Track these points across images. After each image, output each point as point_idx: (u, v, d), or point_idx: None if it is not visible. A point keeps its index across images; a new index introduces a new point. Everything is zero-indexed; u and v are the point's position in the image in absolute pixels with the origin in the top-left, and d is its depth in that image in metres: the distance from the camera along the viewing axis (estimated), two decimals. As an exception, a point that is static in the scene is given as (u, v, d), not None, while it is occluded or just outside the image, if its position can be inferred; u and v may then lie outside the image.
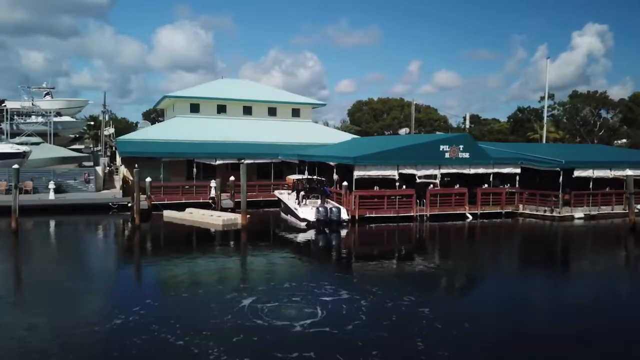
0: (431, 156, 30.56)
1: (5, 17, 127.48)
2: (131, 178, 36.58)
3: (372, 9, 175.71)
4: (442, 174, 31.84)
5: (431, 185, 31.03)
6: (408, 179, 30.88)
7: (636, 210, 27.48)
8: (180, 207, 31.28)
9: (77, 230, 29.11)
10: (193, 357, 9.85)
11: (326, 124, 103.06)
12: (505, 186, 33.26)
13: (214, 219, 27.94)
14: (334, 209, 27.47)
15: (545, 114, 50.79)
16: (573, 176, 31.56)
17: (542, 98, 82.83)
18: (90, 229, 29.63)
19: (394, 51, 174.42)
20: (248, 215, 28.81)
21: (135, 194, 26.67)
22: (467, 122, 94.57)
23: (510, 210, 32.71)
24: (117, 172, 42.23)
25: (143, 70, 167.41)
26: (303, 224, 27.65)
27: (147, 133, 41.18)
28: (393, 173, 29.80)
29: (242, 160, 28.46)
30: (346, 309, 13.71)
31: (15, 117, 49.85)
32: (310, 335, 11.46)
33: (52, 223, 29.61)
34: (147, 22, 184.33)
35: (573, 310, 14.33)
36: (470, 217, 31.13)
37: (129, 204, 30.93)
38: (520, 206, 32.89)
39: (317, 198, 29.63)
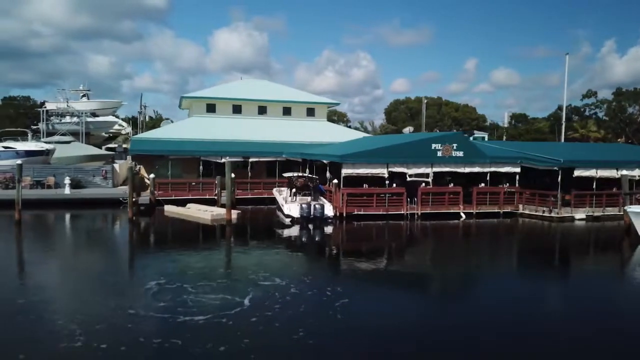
0: (422, 155, 30.45)
1: (72, 23, 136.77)
2: (146, 175, 38.81)
3: (424, 8, 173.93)
4: (442, 173, 31.67)
5: (423, 184, 30.92)
6: (401, 178, 30.92)
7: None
8: (187, 203, 32.68)
9: (74, 222, 30.99)
10: (58, 337, 10.68)
11: (372, 124, 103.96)
12: (505, 185, 32.62)
13: (204, 214, 29.17)
14: (317, 205, 27.98)
15: (564, 114, 48.84)
16: (573, 176, 30.53)
17: (584, 96, 79.88)
18: (87, 220, 31.31)
19: (448, 49, 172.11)
20: (239, 211, 30.06)
21: (129, 190, 28.27)
22: (506, 121, 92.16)
23: (510, 210, 32.05)
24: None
25: (200, 72, 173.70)
26: (288, 220, 28.39)
27: (161, 132, 43.18)
28: (382, 171, 29.94)
29: (227, 158, 29.54)
30: (265, 298, 14.22)
31: (52, 117, 53.48)
32: (193, 325, 11.80)
33: (57, 215, 31.95)
34: (204, 25, 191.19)
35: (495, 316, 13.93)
36: (464, 217, 30.77)
37: (134, 199, 32.67)
38: (520, 206, 32.17)
39: (308, 195, 30.28)
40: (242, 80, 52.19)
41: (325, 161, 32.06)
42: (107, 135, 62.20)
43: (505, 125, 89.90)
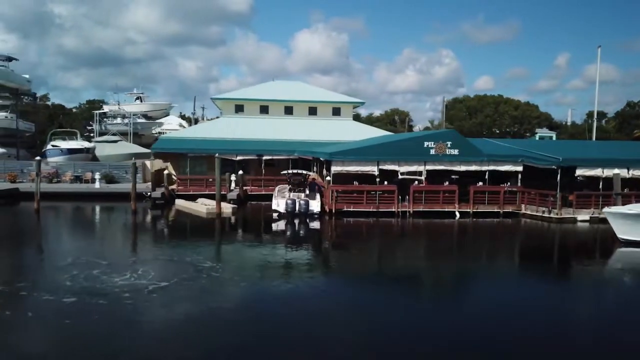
0: (415, 152, 30.38)
1: (163, 30, 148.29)
2: (173, 172, 41.75)
3: (510, 2, 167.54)
4: (438, 171, 31.38)
5: (416, 182, 30.83)
6: (394, 176, 31.03)
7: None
8: (203, 197, 34.82)
9: (86, 212, 34.00)
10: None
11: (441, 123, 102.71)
12: (506, 184, 31.69)
13: (202, 208, 31.08)
14: (301, 201, 28.96)
15: (595, 111, 45.53)
16: (575, 175, 29.09)
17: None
18: (96, 211, 33.99)
19: (537, 44, 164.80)
20: (234, 206, 31.75)
21: (132, 184, 30.79)
22: (569, 119, 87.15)
23: (511, 210, 31.08)
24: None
25: (282, 74, 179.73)
26: (275, 215, 29.61)
27: (189, 132, 46.04)
28: (373, 169, 30.27)
29: (217, 155, 31.25)
30: (183, 280, 15.43)
31: (107, 119, 58.51)
32: (58, 303, 13.05)
33: (80, 206, 35.19)
34: (286, 27, 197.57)
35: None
36: (458, 215, 30.32)
37: (148, 194, 35.45)
38: (523, 206, 31.09)
39: (302, 191, 31.32)
40: (274, 82, 53.96)
41: (322, 159, 32.89)
42: (158, 134, 66.69)
43: (569, 124, 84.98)
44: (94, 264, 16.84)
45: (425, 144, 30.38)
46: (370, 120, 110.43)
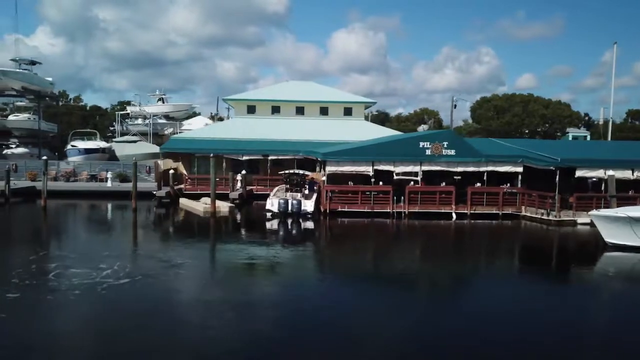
0: (410, 153, 30.08)
1: (202, 32, 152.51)
2: (184, 172, 42.79)
3: None
4: (435, 172, 31.01)
5: (412, 183, 30.55)
6: (391, 176, 30.84)
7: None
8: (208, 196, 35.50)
9: (91, 210, 35.11)
10: None
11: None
12: (505, 185, 30.97)
13: (200, 207, 31.73)
14: (294, 201, 29.15)
15: (611, 111, 43.62)
16: (575, 176, 28.17)
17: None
18: (101, 209, 35.20)
19: (582, 41, 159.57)
20: (232, 205, 32.30)
21: (133, 183, 31.72)
22: (601, 118, 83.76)
23: (511, 212, 30.36)
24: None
25: (319, 74, 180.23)
26: (269, 215, 29.93)
27: (199, 132, 46.92)
28: (367, 169, 30.18)
29: (211, 155, 31.81)
30: (150, 275, 16.24)
31: (129, 119, 60.37)
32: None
33: (89, 204, 36.37)
34: (322, 27, 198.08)
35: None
36: (455, 217, 29.86)
37: (154, 192, 36.41)
38: (523, 208, 30.33)
39: (298, 191, 31.55)
40: (288, 82, 54.25)
41: (319, 159, 33.01)
42: (170, 134, 68.33)
43: (601, 122, 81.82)
44: (63, 258, 17.53)
45: (421, 144, 30.05)
46: (399, 120, 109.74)
